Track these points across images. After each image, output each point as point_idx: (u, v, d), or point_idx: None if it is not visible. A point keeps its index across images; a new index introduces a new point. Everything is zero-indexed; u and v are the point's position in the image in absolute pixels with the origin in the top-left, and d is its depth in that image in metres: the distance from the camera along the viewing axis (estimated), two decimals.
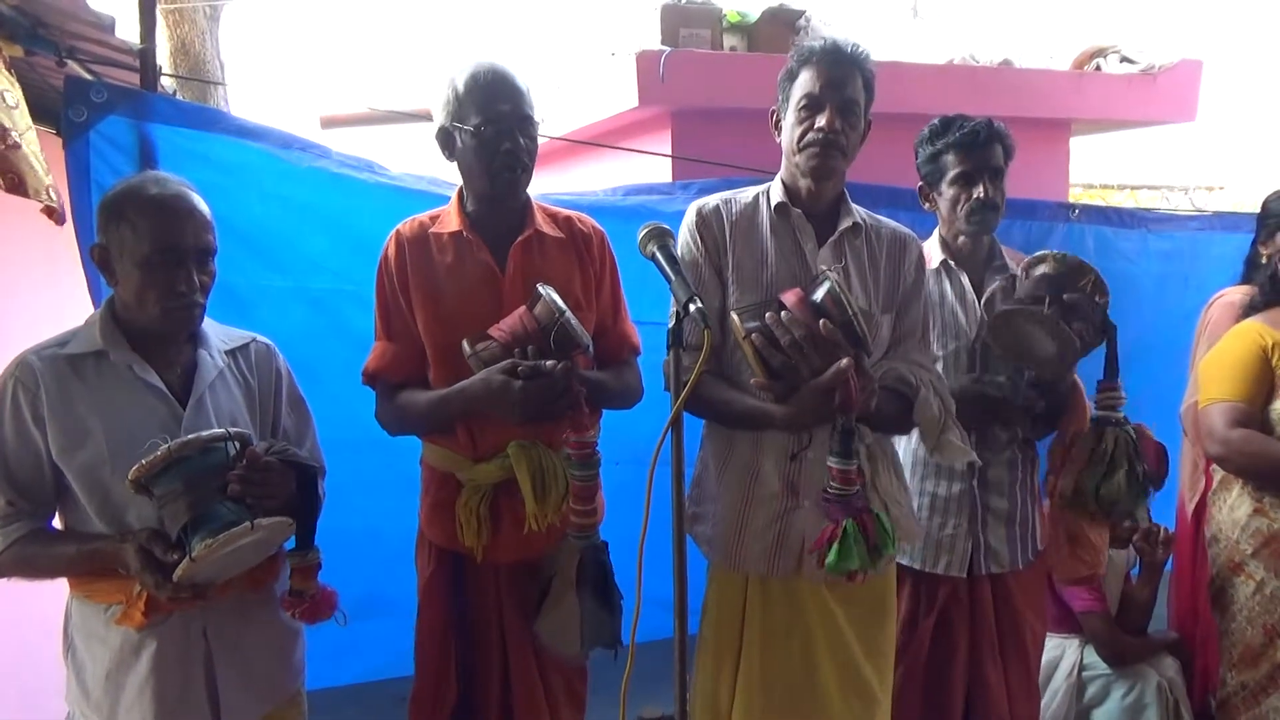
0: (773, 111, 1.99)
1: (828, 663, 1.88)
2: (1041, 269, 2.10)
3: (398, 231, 1.93)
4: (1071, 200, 4.33)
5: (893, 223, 2.03)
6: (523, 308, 1.76)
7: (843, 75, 1.85)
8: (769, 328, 1.63)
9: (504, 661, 1.92)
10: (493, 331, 1.75)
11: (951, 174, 2.20)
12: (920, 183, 2.30)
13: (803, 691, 1.88)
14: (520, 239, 1.88)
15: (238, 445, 1.59)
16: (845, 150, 1.87)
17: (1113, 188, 8.34)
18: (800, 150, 1.87)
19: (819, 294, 1.65)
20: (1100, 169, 7.81)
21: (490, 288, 1.86)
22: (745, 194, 2.01)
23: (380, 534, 2.48)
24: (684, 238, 1.95)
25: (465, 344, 1.75)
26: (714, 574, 1.97)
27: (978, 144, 2.16)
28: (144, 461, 1.50)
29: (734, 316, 1.69)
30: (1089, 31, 4.57)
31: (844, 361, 1.60)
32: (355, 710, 2.71)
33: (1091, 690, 2.80)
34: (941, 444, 1.85)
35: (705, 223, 1.94)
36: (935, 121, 2.24)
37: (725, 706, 1.92)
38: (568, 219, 1.98)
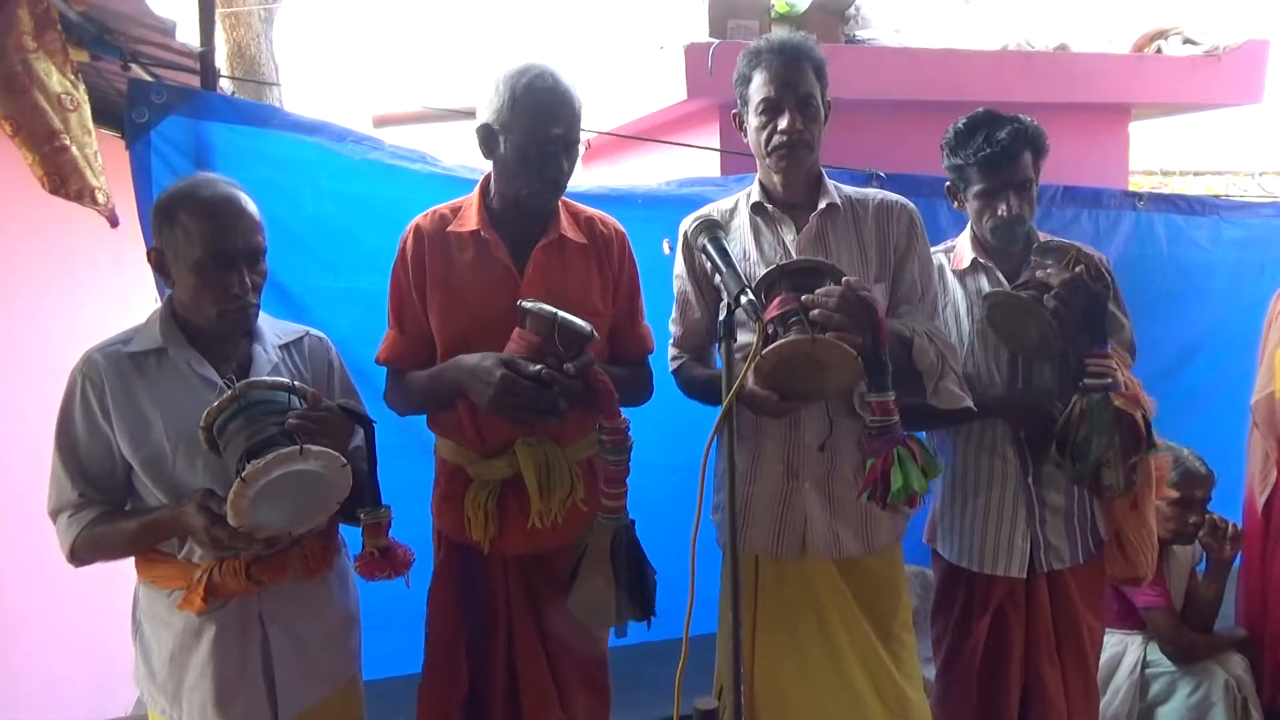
0: (734, 114, 2.02)
1: (844, 636, 1.91)
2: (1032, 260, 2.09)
3: (416, 225, 1.92)
4: (1132, 187, 4.22)
5: (883, 192, 2.05)
6: (516, 330, 1.75)
7: (795, 72, 1.88)
8: (822, 310, 1.63)
9: (510, 651, 1.92)
10: None
11: (975, 189, 2.12)
12: (947, 181, 2.22)
13: (822, 663, 1.91)
14: (542, 243, 1.86)
15: (301, 400, 1.61)
16: (811, 144, 1.93)
17: (1174, 173, 8.09)
18: (769, 154, 1.93)
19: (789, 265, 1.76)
20: (1161, 154, 7.58)
21: (507, 289, 1.84)
22: (728, 201, 2.07)
23: (429, 535, 2.50)
24: (676, 257, 2.03)
25: None
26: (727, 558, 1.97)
27: (1001, 163, 2.05)
28: (213, 405, 1.55)
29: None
30: (1149, 13, 4.42)
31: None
32: (410, 699, 2.74)
33: (1155, 688, 2.73)
34: (939, 390, 1.89)
35: (687, 243, 1.95)
36: (960, 124, 2.13)
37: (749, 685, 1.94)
38: (589, 220, 1.96)
